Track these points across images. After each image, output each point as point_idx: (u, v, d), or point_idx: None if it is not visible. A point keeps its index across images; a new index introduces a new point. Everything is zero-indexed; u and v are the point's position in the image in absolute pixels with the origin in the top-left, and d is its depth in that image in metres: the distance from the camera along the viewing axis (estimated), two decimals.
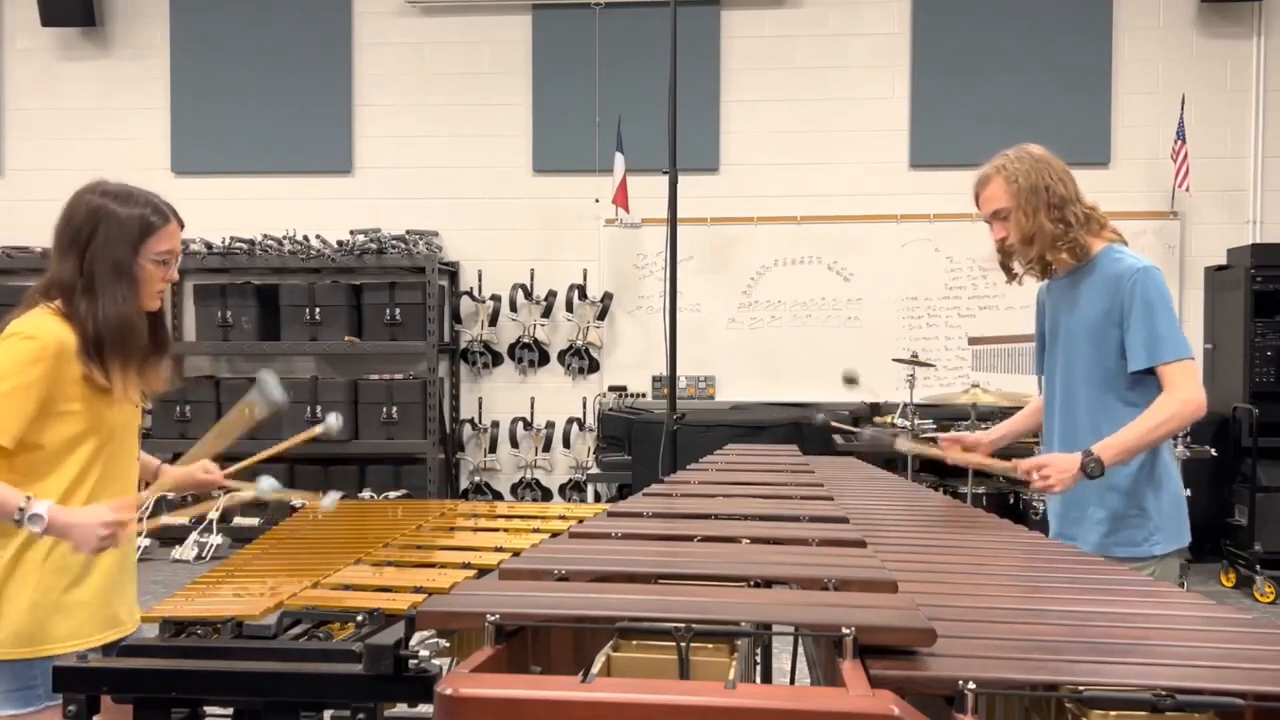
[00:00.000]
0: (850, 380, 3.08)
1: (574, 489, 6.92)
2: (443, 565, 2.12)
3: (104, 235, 1.98)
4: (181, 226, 2.12)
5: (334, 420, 2.30)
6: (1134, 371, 2.43)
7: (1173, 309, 2.45)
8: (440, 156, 6.96)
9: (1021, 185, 2.49)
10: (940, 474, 5.75)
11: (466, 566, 2.09)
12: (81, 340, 1.96)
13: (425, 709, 1.40)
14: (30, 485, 1.93)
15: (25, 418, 1.91)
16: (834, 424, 3.15)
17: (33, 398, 1.91)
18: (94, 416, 2.00)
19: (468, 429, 7.02)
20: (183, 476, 2.22)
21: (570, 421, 6.91)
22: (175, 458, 2.36)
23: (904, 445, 2.76)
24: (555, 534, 2.28)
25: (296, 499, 2.36)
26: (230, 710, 1.48)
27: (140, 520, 2.05)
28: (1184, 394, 2.37)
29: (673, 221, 4.74)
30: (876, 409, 6.31)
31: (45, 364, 1.92)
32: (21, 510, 1.83)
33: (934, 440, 2.81)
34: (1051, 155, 2.56)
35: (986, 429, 2.89)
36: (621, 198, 6.32)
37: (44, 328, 1.95)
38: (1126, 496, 2.45)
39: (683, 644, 1.13)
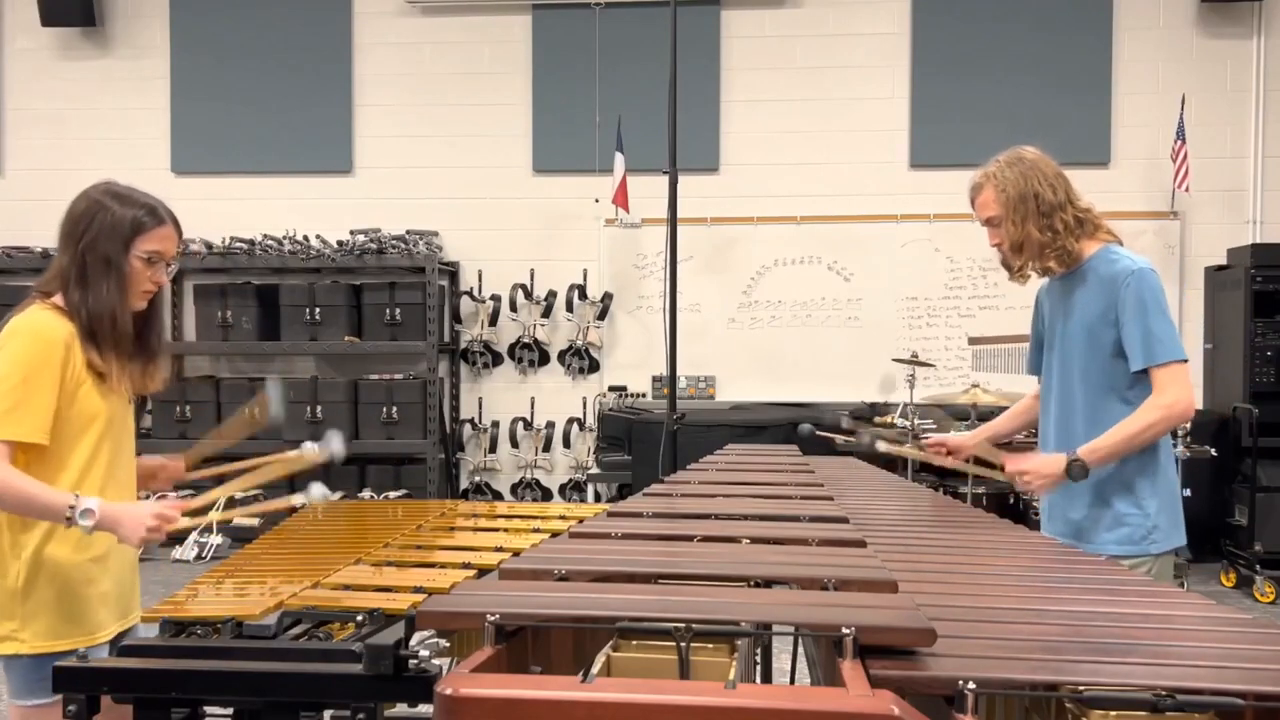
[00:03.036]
0: (804, 438, 3.12)
1: (574, 489, 6.92)
2: (443, 565, 2.12)
3: (97, 229, 2.05)
4: (179, 233, 2.16)
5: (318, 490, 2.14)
6: (1134, 372, 2.42)
7: (1167, 310, 2.43)
8: (440, 156, 6.96)
9: (1010, 194, 2.50)
10: (940, 474, 5.75)
11: (466, 566, 2.09)
12: (79, 330, 2.03)
13: (425, 709, 1.40)
14: (45, 476, 1.98)
15: (50, 413, 1.97)
16: (820, 433, 3.15)
17: (53, 392, 1.98)
18: (98, 404, 2.06)
19: (468, 429, 7.02)
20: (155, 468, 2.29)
21: (570, 421, 6.91)
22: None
23: (883, 446, 2.78)
24: (555, 534, 2.28)
25: (267, 509, 2.22)
26: (230, 710, 1.48)
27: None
28: (1170, 397, 2.36)
29: (673, 221, 4.74)
30: (876, 409, 6.31)
31: (56, 358, 1.98)
32: (72, 508, 1.89)
33: (917, 441, 2.82)
34: (1045, 157, 2.55)
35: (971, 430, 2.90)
36: (621, 198, 6.32)
37: (47, 323, 2.01)
38: (1125, 494, 2.44)
39: (683, 644, 1.13)
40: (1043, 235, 2.49)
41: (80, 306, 2.03)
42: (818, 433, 3.16)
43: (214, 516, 2.15)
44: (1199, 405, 6.36)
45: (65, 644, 2.00)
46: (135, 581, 2.23)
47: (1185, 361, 2.40)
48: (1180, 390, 2.37)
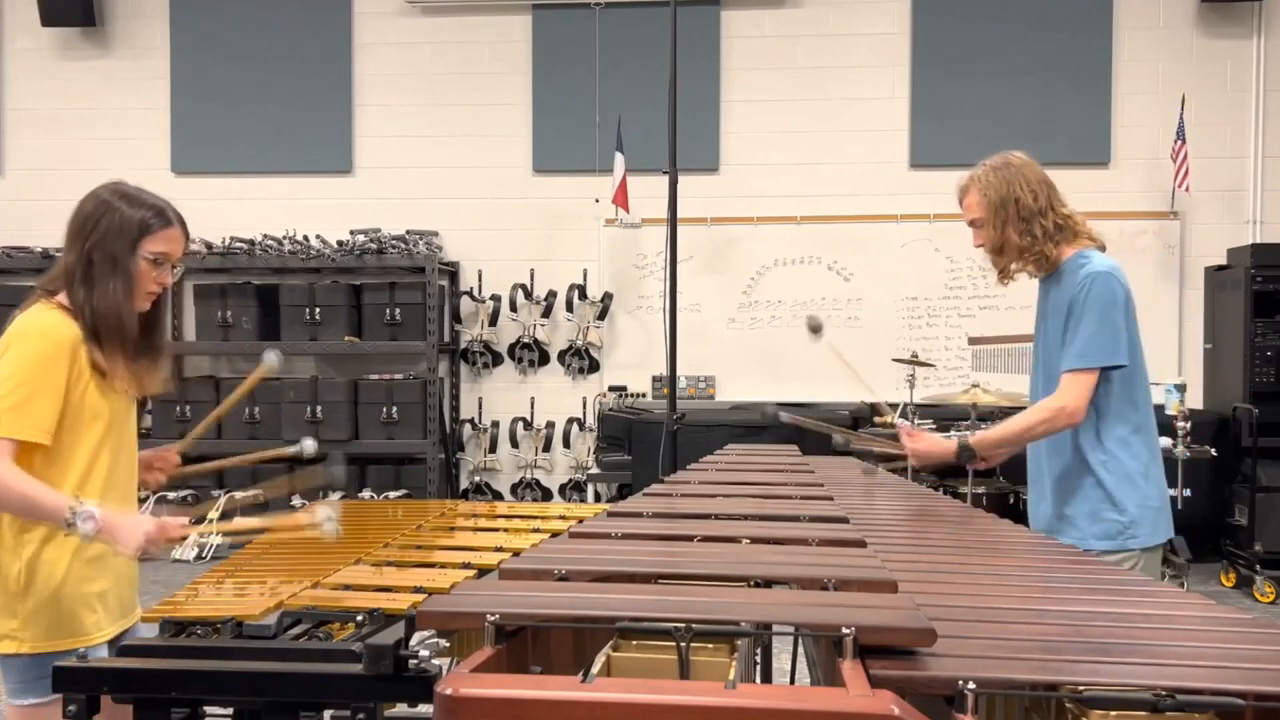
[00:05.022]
0: (814, 328, 3.09)
1: (574, 489, 6.92)
2: (443, 565, 2.12)
3: (105, 229, 2.06)
4: (186, 235, 2.17)
5: (309, 444, 2.31)
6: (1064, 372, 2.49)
7: (1111, 316, 2.45)
8: (440, 156, 6.96)
9: (991, 199, 2.58)
10: (940, 474, 5.75)
11: (466, 566, 2.09)
12: (83, 329, 2.03)
13: (425, 709, 1.40)
14: (48, 477, 1.98)
15: (56, 413, 1.98)
16: (789, 419, 3.15)
17: (59, 393, 1.99)
18: (101, 405, 2.06)
19: (468, 429, 7.02)
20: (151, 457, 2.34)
21: (570, 421, 6.91)
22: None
23: (860, 445, 2.81)
24: (555, 534, 2.28)
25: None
26: (230, 710, 1.48)
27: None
28: (1061, 401, 2.45)
29: (673, 221, 4.74)
30: (876, 409, 6.31)
31: (64, 359, 1.99)
32: (73, 511, 1.87)
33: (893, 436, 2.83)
34: (1031, 163, 2.61)
35: (985, 428, 2.89)
36: (621, 198, 6.32)
37: (54, 323, 2.02)
38: (1100, 494, 2.50)
39: (683, 644, 1.13)
40: (1021, 240, 2.57)
41: (85, 305, 2.03)
42: (781, 417, 3.15)
43: (216, 529, 2.14)
44: (1199, 405, 6.35)
45: (63, 644, 2.00)
46: (134, 581, 2.23)
47: (1095, 370, 2.44)
48: (1074, 397, 2.44)
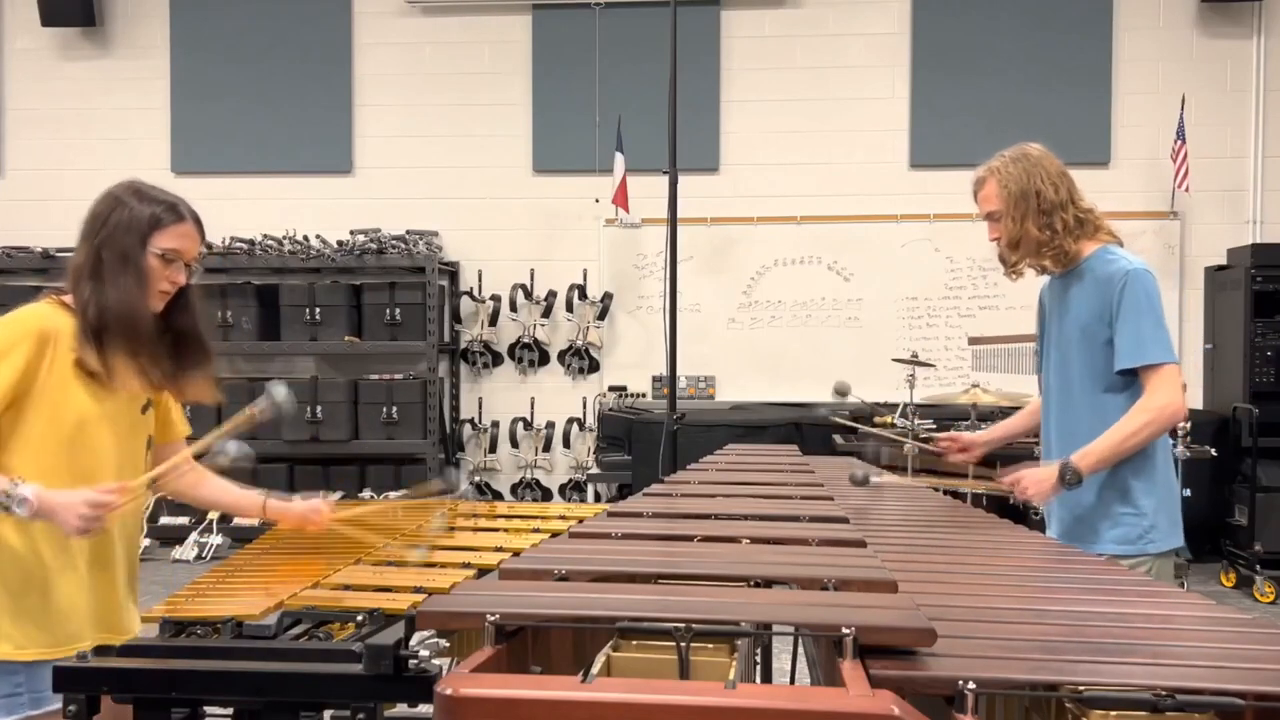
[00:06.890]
0: (841, 392, 3.11)
1: (574, 489, 6.92)
2: (443, 565, 2.11)
3: (114, 225, 1.99)
4: (201, 233, 2.09)
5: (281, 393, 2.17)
6: (1119, 372, 2.42)
7: (1160, 313, 2.42)
8: (440, 156, 6.96)
9: (1011, 190, 2.49)
10: (940, 474, 5.74)
11: (466, 566, 2.09)
12: (81, 324, 1.96)
13: (425, 709, 1.40)
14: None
15: (3, 397, 1.90)
16: (836, 419, 3.16)
17: (10, 377, 1.90)
18: (76, 404, 1.97)
19: (468, 429, 7.02)
20: (298, 518, 2.24)
21: (570, 421, 6.91)
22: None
23: (907, 448, 2.77)
24: (555, 534, 2.28)
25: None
26: (230, 710, 1.48)
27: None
28: (1161, 400, 2.37)
29: (673, 221, 4.74)
30: (877, 409, 6.31)
31: (27, 346, 1.91)
32: (8, 494, 1.80)
33: (932, 440, 2.82)
34: (1049, 155, 2.55)
35: (985, 428, 2.89)
36: (621, 198, 6.32)
37: (31, 312, 1.96)
38: (1121, 495, 2.45)
39: (683, 644, 1.13)
40: (1041, 234, 2.48)
41: (90, 302, 1.95)
42: (852, 394, 3.14)
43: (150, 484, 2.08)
44: (1199, 405, 6.36)
45: (50, 653, 1.90)
46: (119, 602, 2.09)
47: (1176, 364, 2.41)
48: (1170, 392, 2.37)
